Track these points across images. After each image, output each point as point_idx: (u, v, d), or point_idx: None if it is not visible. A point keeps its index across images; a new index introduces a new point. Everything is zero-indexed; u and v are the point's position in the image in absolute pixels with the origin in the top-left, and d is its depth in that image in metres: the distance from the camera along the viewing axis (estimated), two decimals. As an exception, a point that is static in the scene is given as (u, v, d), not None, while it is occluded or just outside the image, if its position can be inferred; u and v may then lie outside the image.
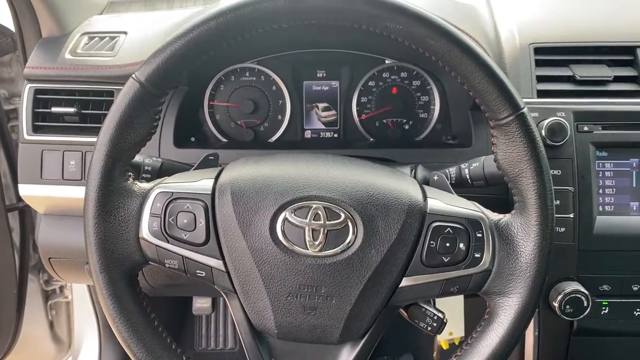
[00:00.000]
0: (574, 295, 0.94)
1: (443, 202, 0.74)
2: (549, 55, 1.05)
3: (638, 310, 0.99)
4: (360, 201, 0.70)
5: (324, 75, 1.21)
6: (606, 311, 1.00)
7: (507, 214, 0.74)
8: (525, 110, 0.69)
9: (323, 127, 1.22)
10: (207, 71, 1.20)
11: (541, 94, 1.01)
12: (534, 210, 0.70)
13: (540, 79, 1.03)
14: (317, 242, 0.69)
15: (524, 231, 0.71)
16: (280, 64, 1.20)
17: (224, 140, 1.22)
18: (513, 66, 1.03)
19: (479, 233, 0.71)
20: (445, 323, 0.75)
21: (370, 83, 1.20)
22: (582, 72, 1.02)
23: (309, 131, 1.22)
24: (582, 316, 0.95)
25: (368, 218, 0.70)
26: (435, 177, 0.84)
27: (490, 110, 0.71)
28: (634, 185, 0.99)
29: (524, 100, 0.71)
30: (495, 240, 0.72)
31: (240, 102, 1.21)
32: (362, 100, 1.21)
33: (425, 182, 0.86)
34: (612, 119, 0.98)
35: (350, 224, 0.69)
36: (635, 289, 0.98)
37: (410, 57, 1.17)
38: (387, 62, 1.19)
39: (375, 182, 0.73)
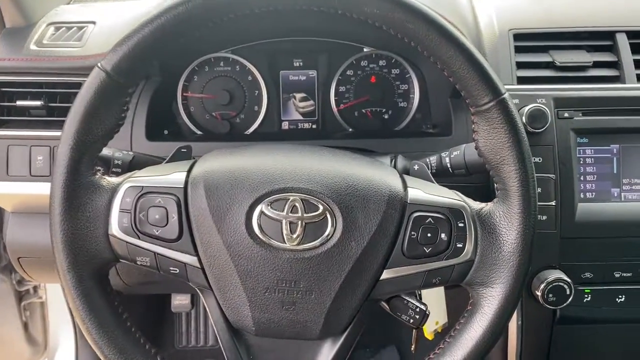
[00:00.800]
0: (556, 283, 0.94)
1: (424, 191, 0.72)
2: (529, 41, 1.04)
3: (620, 297, 1.00)
4: (338, 192, 0.68)
5: (301, 64, 1.18)
6: (589, 299, 1.00)
7: (489, 203, 0.73)
8: (506, 95, 0.68)
9: (301, 117, 1.20)
10: (180, 61, 1.16)
11: (521, 80, 1.01)
12: (516, 198, 0.69)
13: (520, 65, 1.02)
14: (295, 236, 0.67)
15: (507, 219, 0.70)
16: (255, 53, 1.17)
17: (199, 132, 1.19)
18: (492, 53, 1.02)
19: (461, 223, 0.70)
20: (428, 315, 0.74)
21: (348, 72, 1.18)
22: (562, 57, 1.01)
23: (287, 122, 1.20)
24: (564, 304, 0.95)
25: (347, 209, 0.68)
26: (416, 167, 0.83)
27: (470, 96, 0.69)
28: (615, 172, 0.99)
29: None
30: (478, 230, 0.70)
31: (215, 93, 1.18)
32: (340, 90, 1.19)
33: (405, 171, 0.84)
34: (592, 105, 0.98)
35: (329, 216, 0.68)
36: (617, 275, 0.99)
37: (388, 45, 1.15)
38: (365, 50, 1.17)
39: (354, 172, 0.71)
